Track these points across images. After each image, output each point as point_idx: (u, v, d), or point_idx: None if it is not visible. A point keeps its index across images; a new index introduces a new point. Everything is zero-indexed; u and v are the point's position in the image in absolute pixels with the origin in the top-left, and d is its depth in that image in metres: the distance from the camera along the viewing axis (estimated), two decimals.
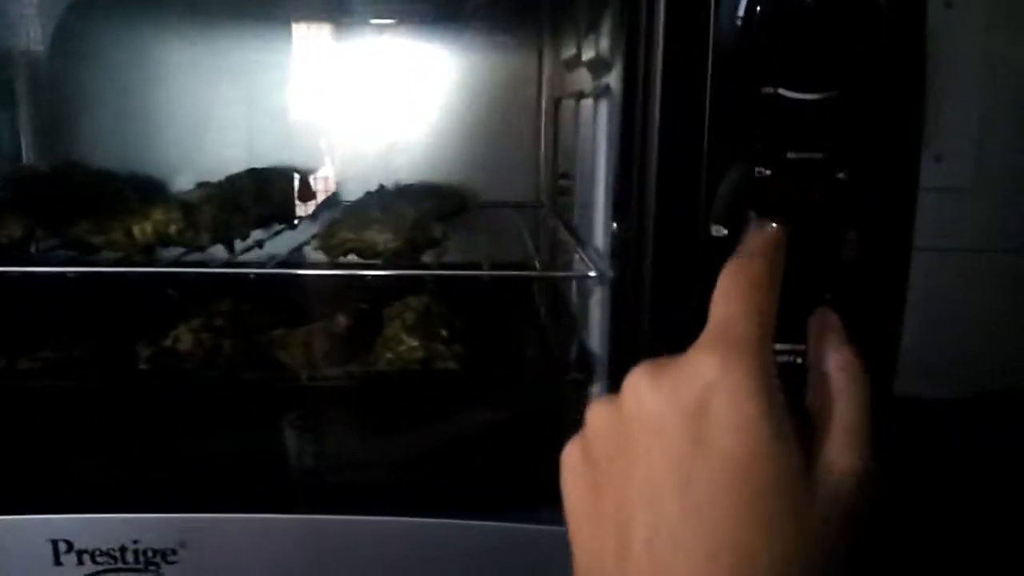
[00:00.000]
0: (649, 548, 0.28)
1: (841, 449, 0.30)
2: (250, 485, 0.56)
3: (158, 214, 0.67)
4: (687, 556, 0.27)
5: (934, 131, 1.03)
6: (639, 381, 0.31)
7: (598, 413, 0.32)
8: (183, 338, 0.63)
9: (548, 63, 0.95)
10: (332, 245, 0.64)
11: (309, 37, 0.97)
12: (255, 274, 0.58)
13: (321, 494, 0.58)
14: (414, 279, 0.71)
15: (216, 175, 0.88)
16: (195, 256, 0.71)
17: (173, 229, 0.66)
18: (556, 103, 0.89)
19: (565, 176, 0.80)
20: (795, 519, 0.27)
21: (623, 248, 0.51)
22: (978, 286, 1.02)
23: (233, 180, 0.86)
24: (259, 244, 0.74)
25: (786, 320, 0.49)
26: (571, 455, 0.33)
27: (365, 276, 0.56)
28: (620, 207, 0.50)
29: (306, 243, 0.73)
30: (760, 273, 0.35)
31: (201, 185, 0.86)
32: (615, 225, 0.51)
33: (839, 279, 0.48)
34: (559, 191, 0.84)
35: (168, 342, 0.63)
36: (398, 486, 0.61)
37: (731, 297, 0.34)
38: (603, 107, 0.54)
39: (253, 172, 0.89)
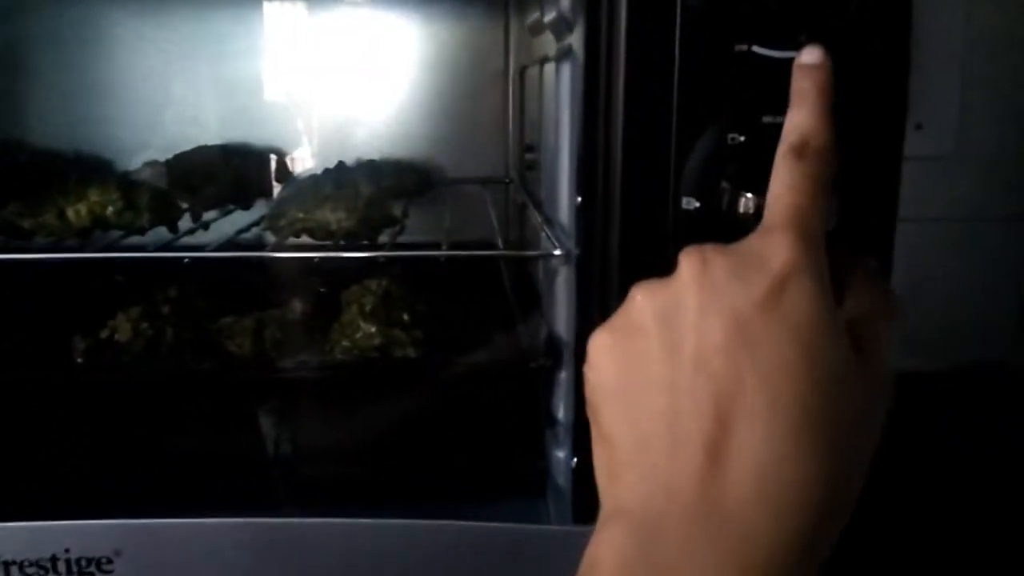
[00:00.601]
0: (704, 408, 0.28)
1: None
2: (193, 486, 0.52)
3: (94, 195, 0.62)
4: (749, 411, 0.27)
5: (915, 99, 1.00)
6: (702, 251, 0.31)
7: (645, 289, 0.32)
8: (122, 328, 0.58)
9: (515, 31, 0.90)
10: (281, 225, 0.60)
11: (267, 7, 0.92)
12: (190, 258, 0.53)
13: (271, 493, 0.54)
14: (372, 260, 0.67)
15: (170, 154, 0.83)
16: (140, 239, 0.67)
17: (110, 211, 0.61)
18: (522, 72, 0.85)
19: (531, 149, 0.76)
20: (846, 388, 0.29)
21: (588, 223, 0.47)
22: (959, 257, 1.00)
23: (183, 158, 0.82)
24: (204, 226, 0.69)
25: None
26: (602, 335, 0.32)
27: (312, 258, 0.52)
28: (584, 179, 0.46)
29: (256, 224, 0.68)
30: (822, 172, 0.33)
31: (149, 164, 0.82)
32: (579, 199, 0.47)
33: None
34: (526, 165, 0.80)
35: (105, 333, 0.58)
36: (358, 481, 0.58)
37: (798, 190, 0.32)
38: (565, 70, 0.50)
39: (206, 149, 0.84)
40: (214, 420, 0.56)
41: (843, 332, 0.29)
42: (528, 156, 0.78)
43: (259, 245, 0.64)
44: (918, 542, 0.67)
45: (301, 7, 0.92)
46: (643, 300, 0.32)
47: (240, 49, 0.92)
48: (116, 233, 0.65)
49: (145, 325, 0.58)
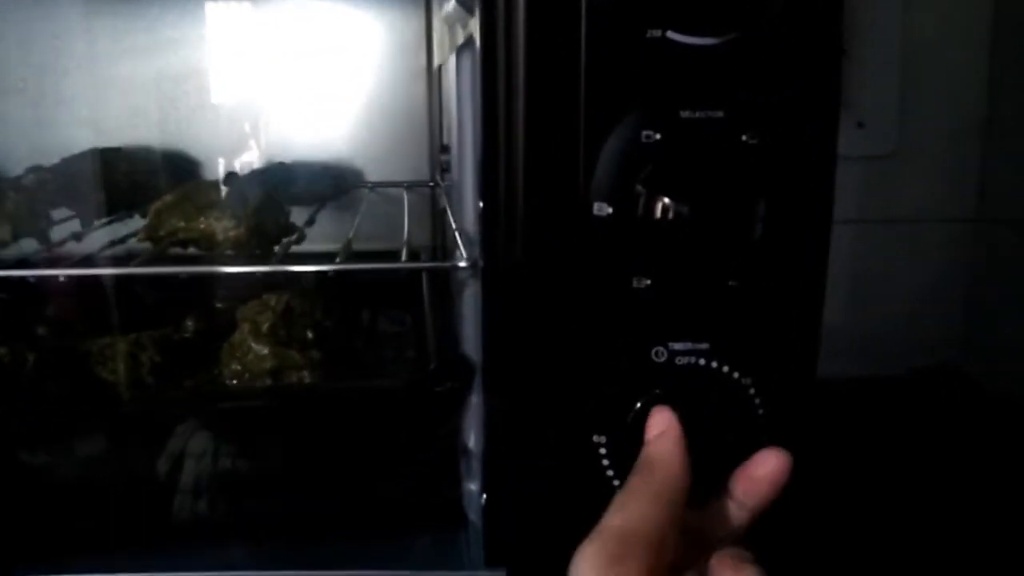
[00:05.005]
0: None
1: None
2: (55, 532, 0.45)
3: None
4: None
5: (856, 96, 0.97)
6: None
7: None
8: None
9: (438, 25, 0.85)
10: (159, 236, 0.53)
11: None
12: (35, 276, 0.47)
13: (141, 541, 0.48)
14: (272, 274, 0.60)
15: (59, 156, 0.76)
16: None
17: None
18: (440, 69, 0.80)
19: (446, 150, 0.71)
20: None
21: (492, 231, 0.42)
22: (904, 259, 0.97)
23: (71, 163, 0.75)
24: (77, 237, 0.62)
25: (687, 313, 0.41)
26: None
27: (178, 274, 0.46)
28: (486, 181, 0.41)
29: (132, 235, 0.61)
30: (662, 486, 0.34)
31: (32, 170, 0.74)
32: (481, 204, 0.42)
33: (747, 262, 0.41)
34: (442, 167, 0.75)
35: None
36: (249, 521, 0.52)
37: (627, 505, 0.33)
38: (467, 62, 0.45)
39: (98, 153, 0.77)
40: (78, 456, 0.49)
41: None
42: (443, 158, 0.72)
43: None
44: (874, 545, 0.64)
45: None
46: None
47: (140, 45, 0.84)
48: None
49: (3, 350, 0.51)
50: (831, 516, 0.63)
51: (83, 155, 0.75)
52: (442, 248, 0.82)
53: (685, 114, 0.38)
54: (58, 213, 0.70)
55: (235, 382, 0.54)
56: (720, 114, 0.38)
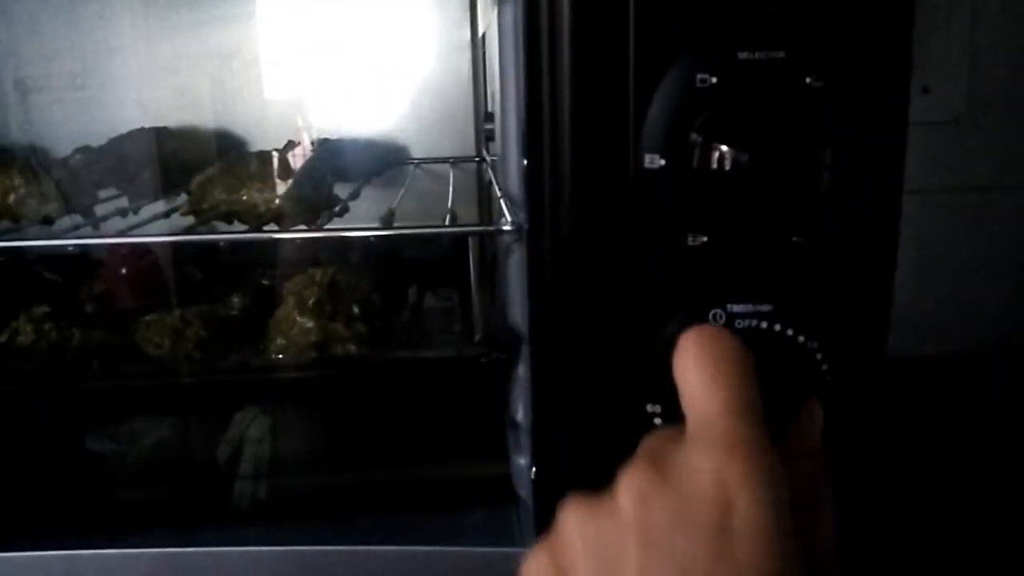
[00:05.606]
0: None
1: None
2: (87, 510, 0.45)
3: None
4: None
5: (920, 60, 0.92)
6: (638, 486, 0.28)
7: (578, 519, 0.28)
8: (23, 330, 0.51)
9: None
10: (202, 209, 0.52)
11: None
12: (74, 246, 0.46)
13: (190, 516, 0.47)
14: (320, 248, 0.60)
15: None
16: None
17: (12, 198, 0.54)
18: (483, 38, 0.78)
19: (490, 118, 0.69)
20: None
21: (537, 190, 0.40)
22: (971, 230, 0.92)
23: (118, 143, 0.75)
24: (123, 213, 0.62)
25: (747, 272, 0.39)
26: (538, 568, 0.29)
27: (218, 242, 0.44)
28: (529, 136, 0.39)
29: (175, 209, 0.61)
30: (733, 348, 0.30)
31: (80, 150, 0.75)
32: (526, 161, 0.40)
33: (813, 216, 0.38)
34: (486, 136, 0.73)
35: (5, 336, 0.51)
36: (296, 496, 0.51)
37: (707, 387, 0.29)
38: (508, 12, 0.43)
39: (145, 133, 0.77)
40: (135, 431, 0.49)
41: (796, 547, 0.26)
42: (487, 127, 0.70)
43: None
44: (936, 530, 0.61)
45: None
46: (578, 535, 0.28)
47: (185, 23, 0.84)
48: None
49: (49, 326, 0.51)
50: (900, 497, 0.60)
51: (130, 135, 0.75)
52: (489, 222, 0.80)
53: (743, 55, 0.35)
54: (106, 194, 0.71)
55: (280, 356, 0.53)
56: (781, 55, 0.35)
